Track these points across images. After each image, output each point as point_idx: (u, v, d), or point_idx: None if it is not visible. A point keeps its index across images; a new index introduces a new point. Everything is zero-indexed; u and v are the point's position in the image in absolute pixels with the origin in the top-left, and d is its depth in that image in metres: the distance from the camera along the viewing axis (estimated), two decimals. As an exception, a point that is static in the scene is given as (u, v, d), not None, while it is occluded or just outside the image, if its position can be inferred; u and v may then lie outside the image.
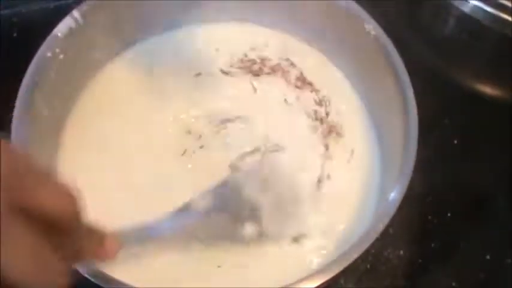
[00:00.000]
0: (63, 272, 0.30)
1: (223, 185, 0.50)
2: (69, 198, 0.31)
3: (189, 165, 0.55)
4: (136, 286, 0.42)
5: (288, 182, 0.53)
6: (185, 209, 0.47)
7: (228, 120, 0.57)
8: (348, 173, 0.56)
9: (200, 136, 0.57)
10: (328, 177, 0.56)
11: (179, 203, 0.48)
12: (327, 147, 0.57)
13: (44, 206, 0.29)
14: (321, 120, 0.59)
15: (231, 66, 0.61)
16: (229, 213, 0.48)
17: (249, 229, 0.49)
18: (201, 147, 0.56)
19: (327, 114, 0.59)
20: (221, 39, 0.63)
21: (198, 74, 0.61)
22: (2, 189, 0.27)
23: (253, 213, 0.49)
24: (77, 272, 0.42)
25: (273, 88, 0.61)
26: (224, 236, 0.49)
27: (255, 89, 0.60)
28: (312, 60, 0.62)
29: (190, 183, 0.52)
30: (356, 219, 0.53)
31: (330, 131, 0.58)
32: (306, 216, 0.52)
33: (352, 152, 0.57)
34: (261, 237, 0.49)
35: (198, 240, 0.49)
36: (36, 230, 0.28)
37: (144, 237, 0.45)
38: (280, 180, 0.52)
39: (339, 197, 0.55)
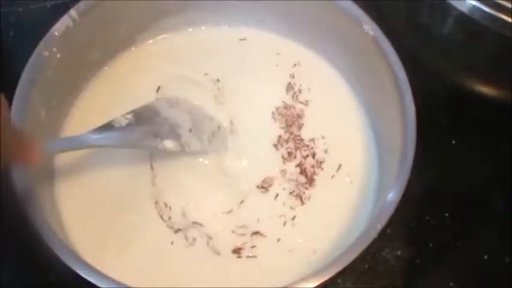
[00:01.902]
0: None
1: (145, 108, 0.55)
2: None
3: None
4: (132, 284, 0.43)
5: None
6: (109, 125, 0.52)
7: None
8: (345, 173, 0.56)
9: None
10: (323, 175, 0.56)
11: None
12: (315, 145, 0.57)
13: None
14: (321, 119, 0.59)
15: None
16: (150, 130, 0.54)
17: (169, 143, 0.54)
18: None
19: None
20: (218, 41, 0.63)
21: (197, 74, 0.61)
22: None
23: (173, 131, 0.55)
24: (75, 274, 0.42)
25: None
26: (149, 148, 0.55)
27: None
28: (309, 61, 0.62)
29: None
30: (353, 220, 0.53)
31: (320, 131, 0.58)
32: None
33: (349, 151, 0.57)
34: (183, 150, 0.55)
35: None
36: None
37: (72, 146, 0.50)
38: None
39: (335, 197, 0.55)
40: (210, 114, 0.58)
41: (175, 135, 0.55)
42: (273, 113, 0.59)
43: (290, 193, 0.55)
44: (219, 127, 0.58)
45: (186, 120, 0.56)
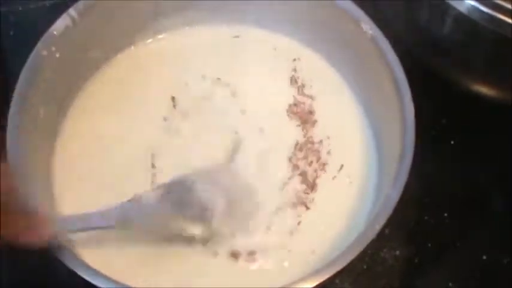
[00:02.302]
0: None
1: (178, 182, 0.50)
2: (5, 178, 0.33)
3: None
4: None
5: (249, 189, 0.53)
6: (136, 200, 0.47)
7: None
8: (345, 173, 0.56)
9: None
10: (325, 177, 0.56)
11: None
12: (322, 147, 0.57)
13: None
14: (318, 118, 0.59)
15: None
16: (180, 211, 0.48)
17: (197, 229, 0.49)
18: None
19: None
20: (216, 39, 0.63)
21: (196, 73, 0.61)
22: None
23: (204, 214, 0.49)
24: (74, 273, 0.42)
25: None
26: (174, 232, 0.49)
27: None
28: (308, 60, 0.62)
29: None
30: (352, 220, 0.53)
31: (326, 131, 0.58)
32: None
33: (349, 152, 0.57)
34: (212, 237, 0.50)
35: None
36: None
37: (83, 227, 0.46)
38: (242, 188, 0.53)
39: (335, 197, 0.55)
40: (251, 188, 0.53)
41: (205, 218, 0.49)
42: (287, 110, 0.59)
43: (293, 203, 0.54)
44: (257, 204, 0.53)
45: (221, 201, 0.50)
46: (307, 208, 0.54)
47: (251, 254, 0.51)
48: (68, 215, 0.45)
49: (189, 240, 0.50)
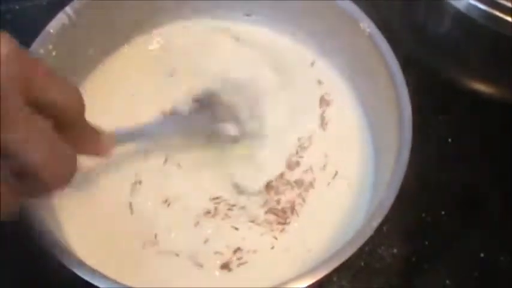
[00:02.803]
0: (73, 160, 0.34)
1: (204, 92, 0.56)
2: (75, 95, 0.35)
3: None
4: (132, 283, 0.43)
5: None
6: (170, 113, 0.54)
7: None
8: (341, 171, 0.56)
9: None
10: (322, 175, 0.56)
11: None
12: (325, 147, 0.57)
13: (54, 100, 0.33)
14: (323, 117, 0.59)
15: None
16: (210, 114, 0.54)
17: (229, 128, 0.54)
18: None
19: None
20: (216, 39, 0.62)
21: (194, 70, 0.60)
22: (10, 81, 0.30)
23: (233, 115, 0.55)
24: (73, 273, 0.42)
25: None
26: (207, 135, 0.54)
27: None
28: (305, 58, 0.62)
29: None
30: (349, 218, 0.53)
31: (329, 128, 0.58)
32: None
33: (346, 149, 0.57)
34: (243, 136, 0.55)
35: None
36: (46, 121, 0.32)
37: (136, 137, 0.50)
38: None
39: (331, 196, 0.55)
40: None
41: (235, 118, 0.55)
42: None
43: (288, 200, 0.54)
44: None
45: (245, 102, 0.56)
46: (303, 206, 0.54)
47: (239, 257, 0.51)
48: (117, 129, 0.48)
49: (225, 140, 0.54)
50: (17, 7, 0.68)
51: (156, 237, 0.51)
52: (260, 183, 0.54)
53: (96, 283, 0.42)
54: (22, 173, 0.31)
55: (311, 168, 0.56)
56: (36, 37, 0.53)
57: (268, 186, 0.54)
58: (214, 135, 0.54)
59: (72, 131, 0.36)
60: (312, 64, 0.62)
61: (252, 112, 0.56)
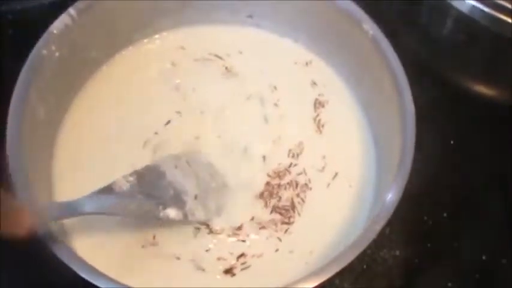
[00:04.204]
0: None
1: (151, 168, 0.52)
2: None
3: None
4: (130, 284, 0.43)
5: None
6: (109, 190, 0.48)
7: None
8: (343, 174, 0.56)
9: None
10: (324, 177, 0.56)
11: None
12: (325, 148, 0.57)
13: None
14: (317, 120, 0.59)
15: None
16: (153, 196, 0.50)
17: (172, 212, 0.50)
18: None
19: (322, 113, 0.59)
20: (217, 40, 0.63)
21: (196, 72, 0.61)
22: None
23: (178, 197, 0.51)
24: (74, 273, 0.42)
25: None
26: (150, 218, 0.50)
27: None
28: (308, 60, 0.62)
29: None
30: (351, 221, 0.53)
31: (326, 130, 0.58)
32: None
33: (348, 152, 0.57)
34: (186, 219, 0.51)
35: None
36: None
37: (66, 214, 0.47)
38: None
39: (333, 198, 0.55)
40: (219, 174, 0.55)
41: (179, 202, 0.51)
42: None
43: (290, 203, 0.54)
44: (224, 185, 0.55)
45: (193, 184, 0.53)
46: (304, 206, 0.54)
47: (243, 262, 0.51)
48: (46, 203, 0.46)
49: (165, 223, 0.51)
50: (19, 7, 0.68)
51: (154, 238, 0.51)
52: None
53: (97, 283, 0.42)
54: None
55: (304, 171, 0.56)
56: (38, 38, 0.53)
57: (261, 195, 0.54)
58: (154, 217, 0.50)
59: None
60: (307, 64, 0.62)
61: (200, 195, 0.53)
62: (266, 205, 0.54)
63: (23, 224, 0.39)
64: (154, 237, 0.51)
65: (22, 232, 0.40)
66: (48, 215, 0.45)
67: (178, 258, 0.51)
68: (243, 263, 0.51)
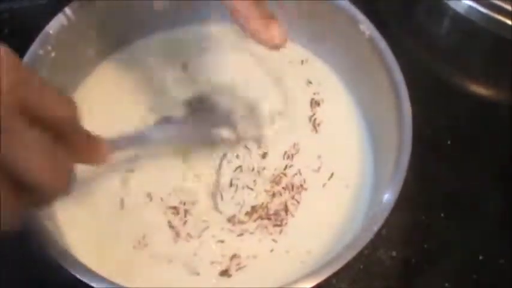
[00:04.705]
0: (70, 170, 0.35)
1: (195, 96, 0.56)
2: (70, 104, 0.35)
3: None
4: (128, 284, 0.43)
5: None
6: (167, 119, 0.53)
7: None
8: (340, 173, 0.56)
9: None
10: (320, 177, 0.55)
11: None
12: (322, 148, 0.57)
13: (50, 110, 0.33)
14: (313, 119, 0.59)
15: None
16: (207, 120, 0.54)
17: (225, 133, 0.54)
18: None
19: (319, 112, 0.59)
20: (212, 39, 0.62)
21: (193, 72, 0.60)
22: (9, 93, 0.30)
23: (228, 119, 0.55)
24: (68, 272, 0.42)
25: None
26: (204, 141, 0.54)
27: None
28: (305, 60, 0.62)
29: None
30: (348, 220, 0.53)
31: (322, 130, 0.58)
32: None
33: (345, 152, 0.57)
34: (239, 140, 0.55)
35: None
36: (43, 131, 0.32)
37: (134, 143, 0.50)
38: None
39: (330, 198, 0.54)
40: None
41: (230, 122, 0.55)
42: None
43: (287, 202, 0.54)
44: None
45: (239, 105, 0.56)
46: (298, 207, 0.54)
47: (238, 263, 0.51)
48: (114, 137, 0.47)
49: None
50: (15, 6, 0.68)
51: (144, 238, 0.51)
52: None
53: (93, 284, 0.42)
54: (22, 185, 0.31)
55: (299, 172, 0.55)
56: (34, 37, 0.52)
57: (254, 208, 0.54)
58: (210, 140, 0.54)
59: (70, 141, 0.35)
60: (303, 62, 0.62)
61: (247, 114, 0.56)
62: (255, 219, 0.53)
63: (100, 155, 0.41)
64: (144, 236, 0.51)
65: (99, 163, 0.41)
66: (118, 145, 0.47)
67: (170, 261, 0.50)
68: (237, 264, 0.51)
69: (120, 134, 0.48)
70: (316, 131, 0.58)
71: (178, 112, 0.56)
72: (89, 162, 0.41)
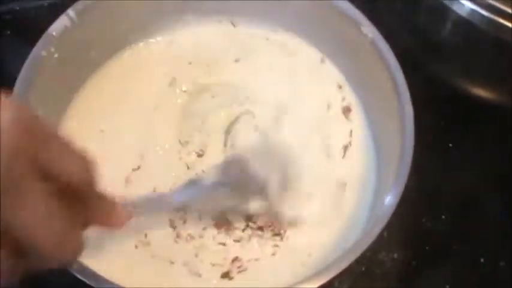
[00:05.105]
0: (77, 238, 0.32)
1: (231, 161, 0.52)
2: (88, 165, 0.32)
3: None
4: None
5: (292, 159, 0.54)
6: (193, 182, 0.49)
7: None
8: (342, 175, 0.56)
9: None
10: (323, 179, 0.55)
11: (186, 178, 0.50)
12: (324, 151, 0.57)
13: (65, 171, 0.30)
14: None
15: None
16: (236, 188, 0.50)
17: (255, 204, 0.50)
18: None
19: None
20: (219, 39, 0.63)
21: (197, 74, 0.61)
22: (25, 150, 0.27)
23: (260, 190, 0.50)
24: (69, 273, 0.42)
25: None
26: (231, 210, 0.50)
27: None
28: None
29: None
30: (349, 222, 0.53)
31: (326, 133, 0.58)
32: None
33: (347, 155, 0.57)
34: (267, 213, 0.51)
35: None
36: (53, 194, 0.29)
37: (154, 208, 0.47)
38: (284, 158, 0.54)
39: (331, 200, 0.54)
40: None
41: (263, 194, 0.50)
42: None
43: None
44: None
45: (277, 177, 0.51)
46: (303, 211, 0.54)
47: (239, 265, 0.51)
48: (133, 198, 0.45)
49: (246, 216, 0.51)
50: (18, 8, 0.68)
51: (146, 237, 0.51)
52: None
53: (92, 284, 0.42)
54: (23, 251, 0.29)
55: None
56: (37, 38, 0.52)
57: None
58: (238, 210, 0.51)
59: (84, 204, 0.33)
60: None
61: (283, 184, 0.52)
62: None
63: (117, 220, 0.39)
64: (146, 235, 0.51)
65: (114, 228, 0.39)
66: (136, 209, 0.44)
67: (172, 263, 0.50)
68: (239, 267, 0.51)
69: (139, 196, 0.46)
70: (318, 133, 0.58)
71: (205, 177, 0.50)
72: (104, 225, 0.38)
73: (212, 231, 0.52)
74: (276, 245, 0.52)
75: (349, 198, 0.55)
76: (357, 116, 0.59)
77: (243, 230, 0.52)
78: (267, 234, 0.52)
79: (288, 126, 0.58)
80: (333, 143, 0.58)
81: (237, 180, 0.50)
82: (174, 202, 0.47)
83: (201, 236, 0.52)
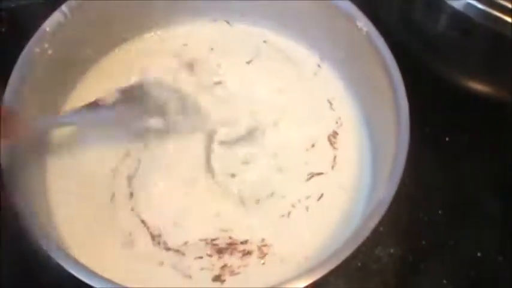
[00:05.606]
0: None
1: (136, 86, 0.56)
2: None
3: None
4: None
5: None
6: (94, 104, 0.52)
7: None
8: (337, 170, 0.56)
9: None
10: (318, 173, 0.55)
11: None
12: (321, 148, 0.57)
13: None
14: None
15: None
16: (137, 108, 0.54)
17: (156, 122, 0.54)
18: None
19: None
20: (213, 37, 0.62)
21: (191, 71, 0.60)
22: None
23: (161, 109, 0.55)
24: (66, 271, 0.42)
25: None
26: (133, 126, 0.54)
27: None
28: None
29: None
30: (344, 220, 0.53)
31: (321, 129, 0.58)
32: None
33: (343, 150, 0.57)
34: (168, 131, 0.55)
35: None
36: None
37: (57, 125, 0.52)
38: None
39: (327, 194, 0.54)
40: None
41: (162, 113, 0.55)
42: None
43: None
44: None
45: (174, 99, 0.56)
46: (299, 209, 0.54)
47: (230, 271, 0.50)
48: (39, 116, 0.50)
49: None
50: (12, 5, 0.68)
51: (130, 235, 0.51)
52: None
53: (92, 283, 0.42)
54: None
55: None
56: (32, 36, 0.52)
57: None
58: (141, 128, 0.54)
59: None
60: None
61: (182, 107, 0.56)
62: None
63: (15, 131, 0.42)
64: (130, 234, 0.51)
65: (13, 139, 0.42)
66: (38, 125, 0.49)
67: (161, 263, 0.50)
68: (230, 272, 0.50)
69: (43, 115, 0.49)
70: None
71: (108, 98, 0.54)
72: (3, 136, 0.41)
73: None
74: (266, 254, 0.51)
75: (345, 197, 0.54)
76: (352, 111, 0.59)
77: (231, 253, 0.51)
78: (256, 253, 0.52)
79: (283, 124, 0.58)
80: (328, 137, 0.57)
81: (136, 101, 0.55)
82: (76, 122, 0.52)
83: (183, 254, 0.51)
